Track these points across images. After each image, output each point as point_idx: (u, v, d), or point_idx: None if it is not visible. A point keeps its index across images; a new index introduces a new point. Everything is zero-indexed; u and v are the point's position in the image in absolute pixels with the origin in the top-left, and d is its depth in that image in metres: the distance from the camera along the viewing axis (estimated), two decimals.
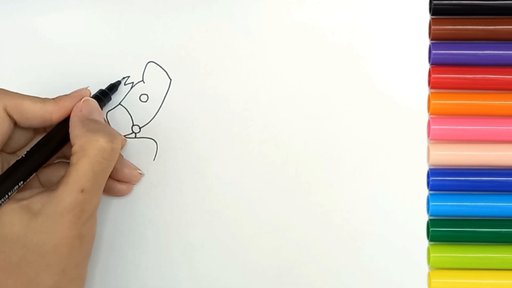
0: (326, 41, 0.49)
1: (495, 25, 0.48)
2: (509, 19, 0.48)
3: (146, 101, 0.50)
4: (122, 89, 0.50)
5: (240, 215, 0.49)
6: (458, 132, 0.48)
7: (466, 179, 0.48)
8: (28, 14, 0.50)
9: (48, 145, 0.44)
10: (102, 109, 0.47)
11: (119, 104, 0.50)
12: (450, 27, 0.48)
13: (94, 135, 0.42)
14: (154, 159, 0.49)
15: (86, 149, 0.42)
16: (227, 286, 0.49)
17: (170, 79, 0.50)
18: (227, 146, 0.49)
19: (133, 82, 0.50)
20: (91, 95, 0.47)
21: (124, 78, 0.49)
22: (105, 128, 0.44)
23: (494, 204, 0.48)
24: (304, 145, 0.49)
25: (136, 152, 0.49)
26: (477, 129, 0.48)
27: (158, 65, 0.50)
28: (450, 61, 0.48)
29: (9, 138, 0.44)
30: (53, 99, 0.45)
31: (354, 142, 0.49)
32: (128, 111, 0.49)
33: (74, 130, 0.43)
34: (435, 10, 0.48)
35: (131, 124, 0.49)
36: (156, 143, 0.49)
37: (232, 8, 0.50)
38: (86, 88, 0.46)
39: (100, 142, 0.42)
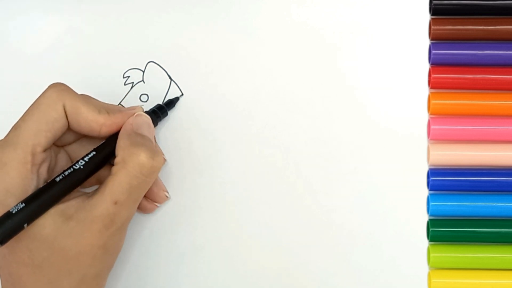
0: (326, 41, 0.49)
1: (495, 25, 0.48)
2: (509, 19, 0.48)
3: (146, 101, 0.50)
4: (122, 89, 0.50)
5: (240, 215, 0.49)
6: (458, 132, 0.48)
7: (466, 179, 0.48)
8: (27, 13, 0.50)
9: (95, 160, 0.44)
10: (157, 124, 0.47)
11: (119, 104, 0.50)
12: (450, 27, 0.48)
13: (136, 149, 0.42)
14: None
15: (126, 162, 0.42)
16: (227, 286, 0.49)
17: (170, 79, 0.50)
18: (227, 146, 0.49)
19: (133, 82, 0.50)
20: (149, 110, 0.47)
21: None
22: (148, 144, 0.43)
23: (494, 204, 0.48)
24: (304, 145, 0.49)
25: None
26: (477, 129, 0.48)
27: (158, 65, 0.50)
28: (450, 61, 0.48)
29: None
30: (107, 111, 0.44)
31: (354, 142, 0.49)
32: None
33: (120, 142, 0.43)
34: (435, 10, 0.48)
35: None
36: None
37: (232, 8, 0.50)
38: (140, 106, 0.46)
39: (140, 157, 0.42)
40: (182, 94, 0.49)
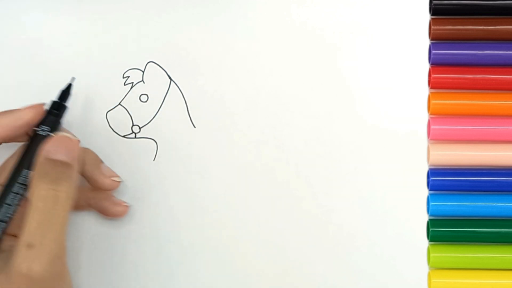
0: (326, 41, 0.49)
1: (495, 25, 0.48)
2: (509, 19, 0.48)
3: (146, 101, 0.50)
4: (122, 89, 0.50)
5: (239, 215, 0.49)
6: (458, 132, 0.48)
7: (466, 179, 0.48)
8: (28, 14, 0.50)
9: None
10: (60, 123, 0.45)
11: (119, 104, 0.50)
12: (450, 27, 0.48)
13: (38, 181, 0.40)
14: (154, 159, 0.49)
15: (31, 197, 0.40)
16: (226, 286, 0.49)
17: (170, 79, 0.50)
18: (227, 146, 0.49)
19: (133, 82, 0.50)
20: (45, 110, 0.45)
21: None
22: (53, 171, 0.40)
23: (494, 204, 0.48)
24: (304, 145, 0.49)
25: (136, 152, 0.49)
26: (477, 129, 0.48)
27: (158, 65, 0.50)
28: (450, 61, 0.48)
29: None
30: None
31: (354, 142, 0.49)
32: (128, 111, 0.49)
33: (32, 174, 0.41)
34: (435, 10, 0.48)
35: (131, 124, 0.49)
36: (156, 143, 0.49)
37: (232, 8, 0.50)
38: (40, 104, 0.44)
39: (40, 190, 0.39)
40: (74, 78, 0.46)
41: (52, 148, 0.41)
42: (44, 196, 0.39)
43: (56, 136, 0.42)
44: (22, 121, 0.44)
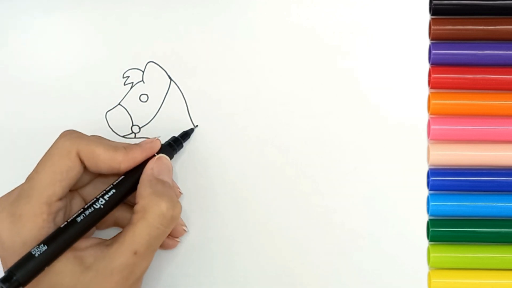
0: (326, 41, 0.49)
1: (495, 25, 0.48)
2: (509, 19, 0.48)
3: (146, 101, 0.50)
4: (122, 89, 0.50)
5: (240, 215, 0.49)
6: (458, 132, 0.48)
7: (466, 179, 0.48)
8: (28, 13, 0.50)
9: (114, 198, 0.43)
10: (172, 156, 0.47)
11: (119, 104, 0.50)
12: (450, 27, 0.48)
13: (158, 199, 0.42)
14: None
15: (147, 211, 0.42)
16: (228, 285, 0.49)
17: (170, 79, 0.50)
18: (227, 146, 0.49)
19: (133, 82, 0.50)
20: (165, 143, 0.47)
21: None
22: (169, 193, 0.43)
23: (494, 204, 0.48)
24: (304, 145, 0.49)
25: None
26: (477, 129, 0.48)
27: (158, 65, 0.50)
28: (450, 61, 0.48)
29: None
30: (124, 147, 0.44)
31: (354, 142, 0.49)
32: (128, 111, 0.49)
33: (141, 188, 0.43)
34: (435, 10, 0.48)
35: (131, 124, 0.49)
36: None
37: (233, 9, 0.50)
38: (157, 139, 0.46)
39: (161, 207, 0.42)
40: (197, 126, 0.49)
41: (160, 170, 0.44)
42: (163, 214, 0.42)
43: (161, 158, 0.45)
44: (145, 155, 0.45)
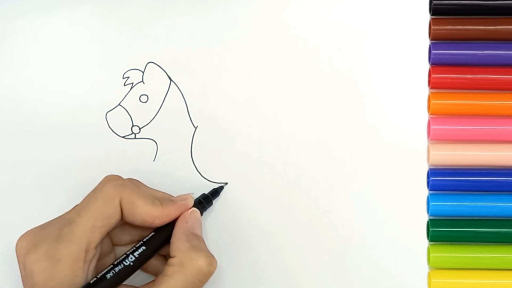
0: (326, 41, 0.49)
1: (495, 25, 0.48)
2: (509, 19, 0.48)
3: (146, 102, 0.50)
4: (122, 90, 0.50)
5: (240, 215, 0.49)
6: (458, 132, 0.48)
7: (466, 179, 0.48)
8: (28, 13, 0.50)
9: (144, 255, 0.43)
10: (202, 214, 0.47)
11: (119, 104, 0.50)
12: (450, 27, 0.48)
13: (196, 254, 0.42)
14: (154, 160, 0.49)
15: (185, 266, 0.42)
16: (226, 285, 0.49)
17: (170, 79, 0.50)
18: (227, 146, 0.49)
19: (133, 83, 0.50)
20: (195, 199, 0.47)
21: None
22: (205, 248, 0.44)
23: (494, 204, 0.48)
24: (304, 145, 0.49)
25: (136, 153, 0.49)
26: (477, 129, 0.48)
27: (158, 65, 0.50)
28: (450, 61, 0.48)
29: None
30: (161, 203, 0.44)
31: (354, 142, 0.49)
32: (128, 112, 0.49)
33: (178, 242, 0.43)
34: (435, 10, 0.48)
35: (131, 125, 0.49)
36: (156, 143, 0.49)
37: (232, 9, 0.50)
38: (191, 195, 0.46)
39: (200, 263, 0.42)
40: (226, 183, 0.49)
41: (194, 224, 0.45)
42: (202, 270, 0.42)
43: (194, 211, 0.45)
44: (179, 212, 0.45)
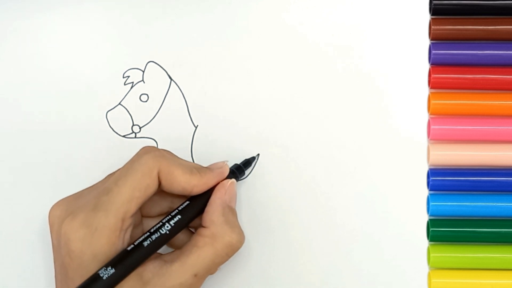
0: (326, 41, 0.49)
1: (495, 25, 0.48)
2: (509, 19, 0.48)
3: (146, 101, 0.50)
4: (122, 89, 0.50)
5: (239, 215, 0.49)
6: (458, 132, 0.48)
7: (466, 179, 0.48)
8: (29, 12, 0.50)
9: (180, 224, 0.43)
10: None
11: (119, 104, 0.50)
12: (450, 27, 0.48)
13: (230, 230, 0.43)
14: None
15: (217, 240, 0.43)
16: (226, 285, 0.49)
17: (171, 79, 0.50)
18: (227, 146, 0.49)
19: (133, 82, 0.50)
20: (230, 168, 0.47)
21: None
22: (238, 224, 0.44)
23: (494, 204, 0.48)
24: (304, 145, 0.49)
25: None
26: (477, 129, 0.48)
27: (158, 65, 0.50)
28: (450, 61, 0.48)
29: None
30: (198, 171, 0.44)
31: (354, 142, 0.49)
32: (128, 111, 0.50)
33: (213, 214, 0.43)
34: (435, 10, 0.48)
35: (131, 124, 0.50)
36: (156, 143, 0.49)
37: (232, 9, 0.50)
38: (226, 163, 0.46)
39: (231, 239, 0.43)
40: (259, 154, 0.49)
41: (231, 197, 0.45)
42: (232, 245, 0.43)
43: (233, 184, 0.45)
44: (216, 180, 0.45)
